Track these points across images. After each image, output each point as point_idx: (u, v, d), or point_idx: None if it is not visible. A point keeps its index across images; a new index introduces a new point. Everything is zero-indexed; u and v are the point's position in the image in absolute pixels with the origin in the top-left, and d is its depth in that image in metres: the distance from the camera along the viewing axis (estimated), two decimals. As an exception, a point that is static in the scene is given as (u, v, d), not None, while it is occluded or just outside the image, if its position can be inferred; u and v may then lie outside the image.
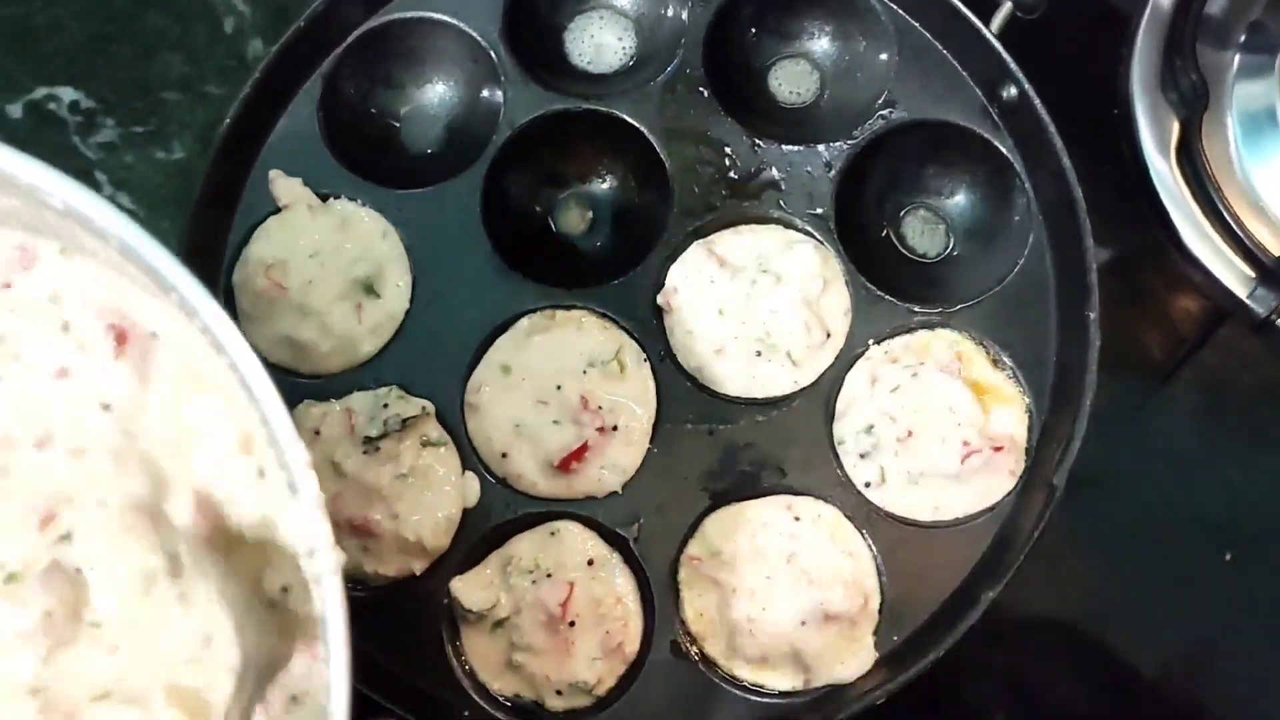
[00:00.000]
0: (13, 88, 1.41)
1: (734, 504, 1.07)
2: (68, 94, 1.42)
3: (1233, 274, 1.25)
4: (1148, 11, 1.32)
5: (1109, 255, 1.27)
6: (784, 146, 1.15)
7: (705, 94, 1.16)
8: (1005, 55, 1.10)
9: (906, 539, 1.06)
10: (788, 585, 1.04)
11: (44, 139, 1.40)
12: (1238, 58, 1.32)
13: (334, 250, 1.11)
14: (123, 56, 1.44)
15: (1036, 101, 1.09)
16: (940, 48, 1.16)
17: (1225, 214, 1.25)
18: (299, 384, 1.11)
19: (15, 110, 1.41)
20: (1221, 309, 1.26)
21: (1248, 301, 1.24)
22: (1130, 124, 1.30)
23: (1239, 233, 1.25)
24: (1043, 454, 1.06)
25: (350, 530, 1.05)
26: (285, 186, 1.13)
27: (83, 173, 1.38)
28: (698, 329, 1.10)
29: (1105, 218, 1.22)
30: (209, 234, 1.13)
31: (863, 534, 1.06)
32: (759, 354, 1.08)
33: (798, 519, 1.06)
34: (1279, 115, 1.27)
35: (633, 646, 1.05)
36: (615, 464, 1.07)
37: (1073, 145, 1.11)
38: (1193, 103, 1.28)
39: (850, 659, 1.03)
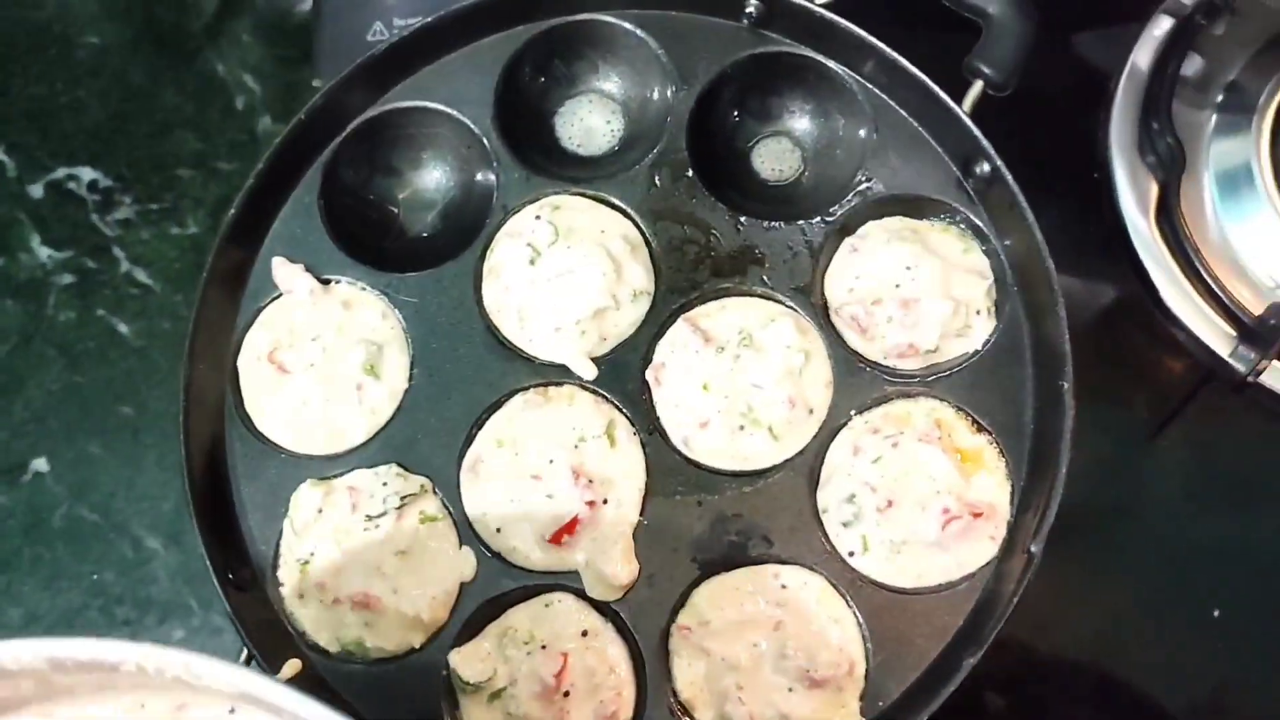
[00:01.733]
0: (34, 167, 1.48)
1: (722, 573, 1.10)
2: (86, 173, 1.49)
3: (1214, 333, 1.28)
4: (1125, 74, 1.36)
5: (1092, 315, 1.31)
6: (766, 223, 1.18)
7: (690, 175, 1.20)
8: (977, 133, 1.14)
9: (890, 606, 1.08)
10: (775, 653, 1.07)
11: (65, 216, 1.46)
12: (1214, 118, 1.35)
13: (336, 333, 1.16)
14: (139, 134, 1.50)
15: (1008, 176, 1.13)
16: (916, 125, 1.19)
17: (1205, 274, 1.28)
18: (301, 462, 1.15)
19: (37, 190, 1.47)
20: (1204, 367, 1.29)
21: (1229, 360, 1.26)
22: (1110, 186, 1.33)
23: (1219, 292, 1.27)
24: (1021, 521, 1.08)
25: (351, 606, 1.09)
26: (287, 272, 1.18)
27: (101, 249, 1.44)
28: (684, 403, 1.13)
29: (1087, 278, 1.25)
30: (217, 317, 1.18)
31: (847, 601, 1.09)
32: (741, 428, 1.12)
33: (785, 587, 1.09)
34: (1255, 174, 1.29)
35: (626, 714, 1.07)
36: (606, 537, 1.10)
37: (1054, 207, 1.14)
38: (1170, 165, 1.31)
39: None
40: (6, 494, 1.35)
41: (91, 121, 1.51)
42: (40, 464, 1.37)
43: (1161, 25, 1.37)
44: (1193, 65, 1.35)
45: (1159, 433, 1.32)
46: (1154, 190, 1.33)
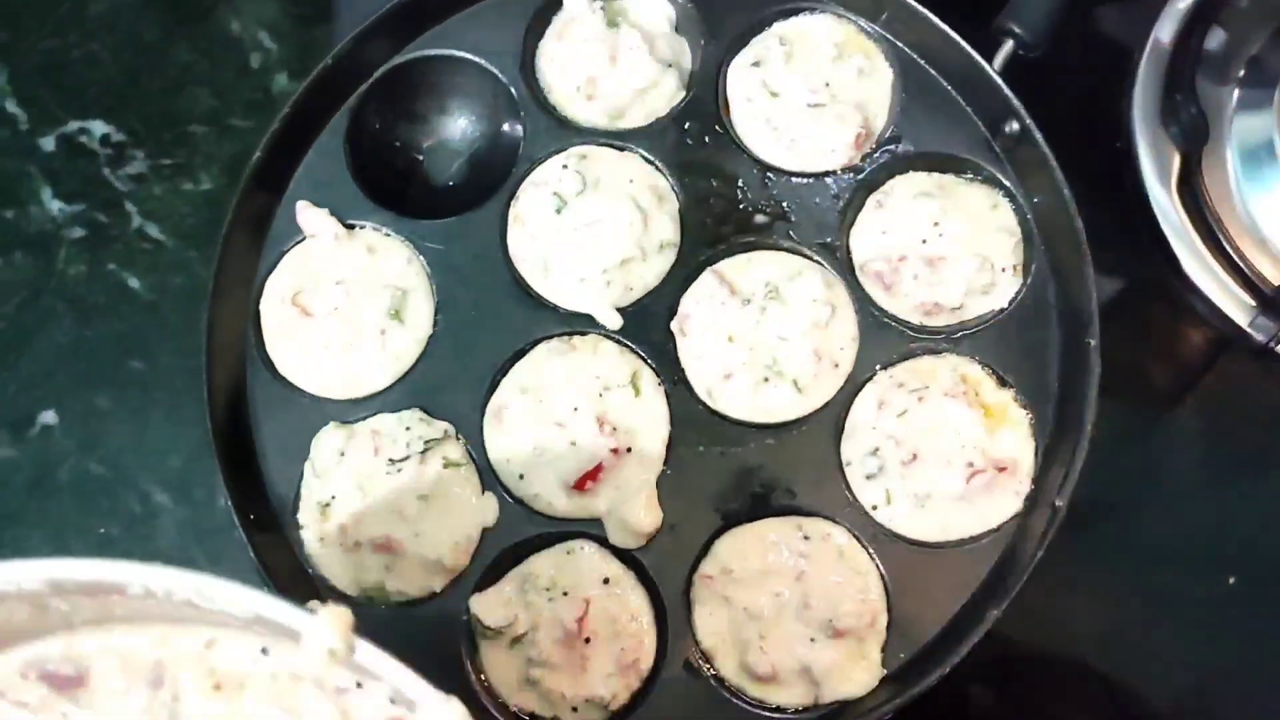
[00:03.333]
0: (47, 120, 1.46)
1: (745, 524, 1.10)
2: (99, 127, 1.47)
3: (1234, 303, 1.28)
4: (1149, 47, 1.36)
5: (1112, 285, 1.31)
6: (794, 179, 1.18)
7: (718, 128, 1.20)
8: (1008, 91, 1.14)
9: (913, 559, 1.08)
10: (798, 603, 1.07)
11: (76, 170, 1.44)
12: (1237, 92, 1.35)
13: (359, 277, 1.15)
14: (152, 90, 1.48)
15: (1038, 135, 1.13)
16: (945, 84, 1.19)
17: (1226, 245, 1.29)
18: (324, 406, 1.14)
19: (48, 143, 1.46)
20: (1223, 337, 1.29)
21: (1249, 329, 1.27)
22: (1132, 157, 1.33)
23: (1239, 263, 1.28)
24: (1046, 476, 1.08)
25: (373, 549, 1.08)
26: (311, 216, 1.17)
27: (113, 204, 1.43)
28: (709, 354, 1.13)
29: (1108, 248, 1.24)
30: (239, 261, 1.17)
31: (870, 553, 1.09)
32: (766, 380, 1.12)
33: (807, 538, 1.09)
34: (1277, 148, 1.30)
35: (647, 663, 1.07)
36: (629, 485, 1.10)
37: (1075, 177, 1.14)
38: (1193, 137, 1.31)
39: (858, 675, 1.05)
40: (14, 447, 1.34)
41: (104, 76, 1.49)
42: (48, 417, 1.35)
43: (1184, -2, 1.37)
44: (1215, 39, 1.35)
45: (1177, 402, 1.32)
46: (1176, 161, 1.33)
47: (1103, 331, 1.08)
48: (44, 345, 1.37)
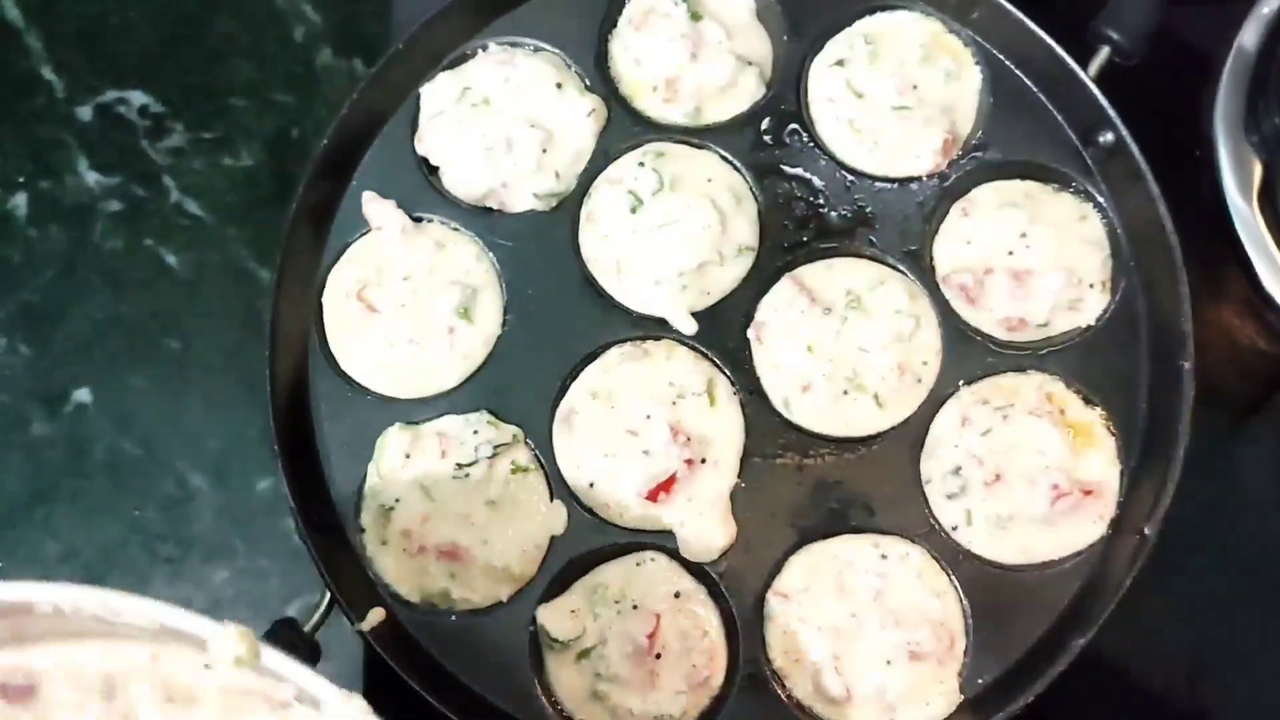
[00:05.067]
0: (84, 88, 1.42)
1: (821, 541, 1.07)
2: (137, 97, 1.42)
3: (1315, 322, 1.26)
4: (1232, 53, 1.32)
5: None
6: (877, 184, 1.15)
7: (798, 127, 1.16)
8: (1103, 100, 1.11)
9: (993, 581, 1.06)
10: (874, 624, 1.04)
11: (114, 141, 1.40)
12: (1323, 101, 1.32)
13: (428, 273, 1.12)
14: (191, 60, 1.44)
15: (1134, 147, 1.10)
16: (1035, 89, 1.16)
17: (1307, 260, 1.26)
18: (389, 406, 1.11)
19: (85, 113, 1.42)
20: (1304, 356, 1.27)
21: (1328, 349, 1.24)
22: (1213, 166, 1.30)
23: (1322, 281, 1.25)
24: (1133, 500, 1.06)
25: (438, 555, 1.05)
26: (378, 208, 1.14)
27: (151, 177, 1.39)
28: (786, 364, 1.10)
29: (1185, 259, 1.22)
30: (303, 253, 1.14)
31: (950, 575, 1.06)
32: (845, 393, 1.09)
33: (885, 557, 1.06)
34: (1363, 160, 1.27)
35: (718, 680, 1.05)
36: (702, 496, 1.07)
37: (1157, 184, 1.11)
38: (1275, 145, 1.28)
39: (935, 700, 1.04)
40: (48, 424, 1.31)
41: (142, 44, 1.45)
42: (83, 394, 1.32)
43: (1270, 4, 1.33)
44: (1301, 47, 1.32)
45: (1250, 419, 1.29)
46: (1258, 171, 1.30)
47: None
48: (79, 320, 1.34)
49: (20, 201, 1.37)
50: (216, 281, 1.35)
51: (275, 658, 0.73)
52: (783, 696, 1.05)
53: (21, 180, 1.37)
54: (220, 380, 1.33)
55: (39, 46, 1.42)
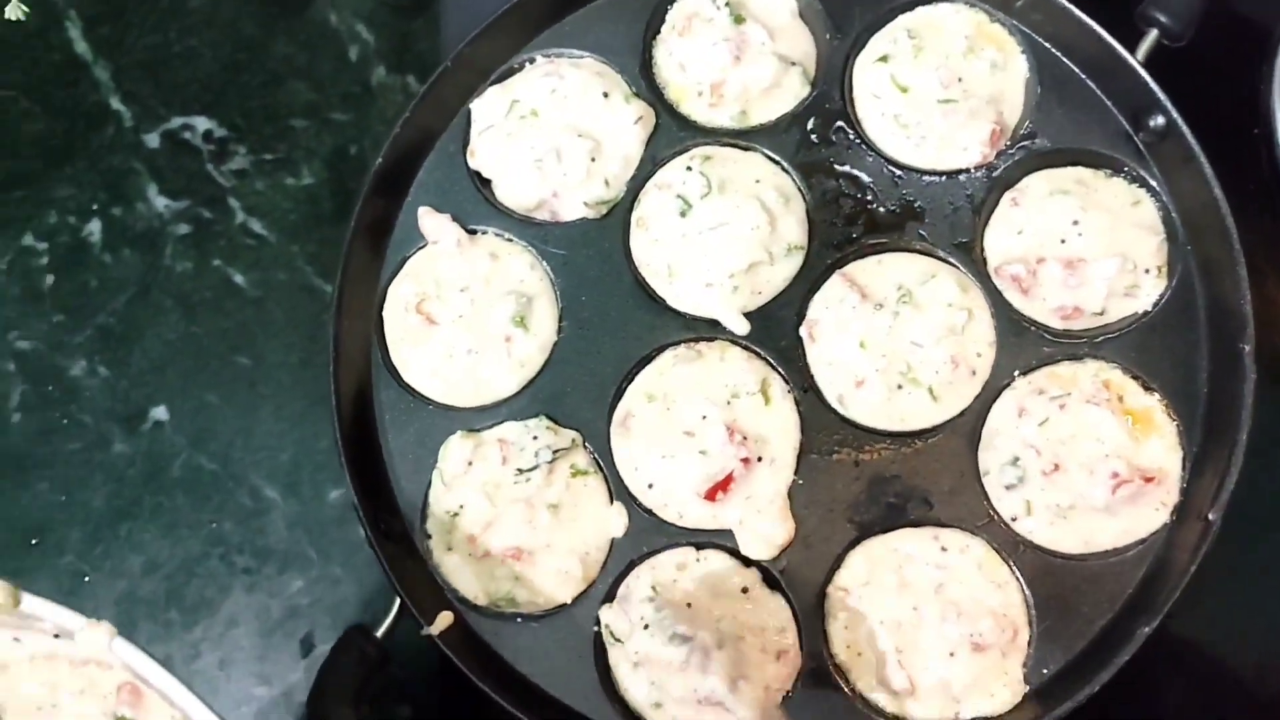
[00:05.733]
0: (151, 116, 1.46)
1: (880, 534, 1.08)
2: (201, 123, 1.46)
3: (1374, 297, 1.23)
4: (1291, 28, 1.30)
5: (1251, 276, 1.26)
6: (925, 178, 1.15)
7: (844, 125, 1.17)
8: (1152, 84, 1.10)
9: (1055, 571, 1.06)
10: (936, 617, 1.04)
11: (180, 166, 1.44)
12: (1382, 72, 1.29)
13: (484, 284, 1.15)
14: (252, 84, 1.48)
15: (1185, 130, 1.09)
16: (1083, 76, 1.15)
17: (1364, 235, 1.23)
18: (451, 414, 1.14)
19: (153, 140, 1.46)
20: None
21: (1394, 319, 1.22)
22: (1272, 142, 1.28)
23: (1379, 255, 1.23)
24: (1196, 487, 1.05)
25: (502, 559, 1.07)
26: (434, 222, 1.16)
27: (217, 200, 1.42)
28: (839, 360, 1.11)
29: (1245, 236, 1.20)
30: (362, 269, 1.16)
31: (1011, 566, 1.06)
32: (900, 387, 1.09)
33: (945, 550, 1.07)
34: None
35: (788, 674, 1.05)
36: (760, 495, 1.08)
37: (1212, 164, 1.10)
38: (1336, 120, 1.26)
39: (999, 690, 1.04)
40: (127, 442, 1.35)
41: (205, 71, 1.49)
42: (160, 413, 1.36)
43: (1329, -24, 1.31)
44: (1359, 15, 1.30)
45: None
46: (1316, 146, 1.28)
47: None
48: (153, 341, 1.38)
49: (95, 229, 1.41)
50: (283, 298, 1.38)
51: (33, 602, 0.90)
52: (846, 690, 1.06)
53: (95, 208, 1.41)
54: (290, 394, 1.36)
55: (106, 78, 1.47)
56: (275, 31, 1.50)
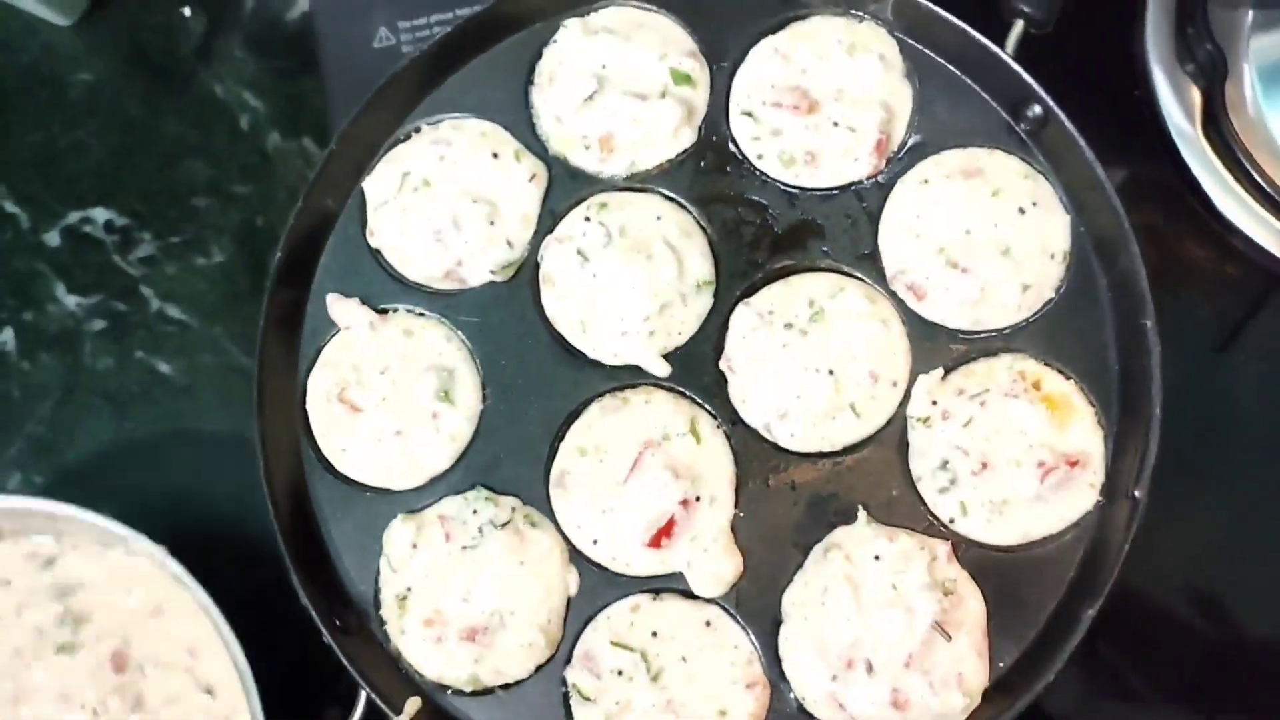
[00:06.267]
0: (47, 215, 1.44)
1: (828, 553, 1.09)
2: (100, 214, 1.44)
3: (1274, 238, 1.26)
4: (1154, -13, 1.32)
5: (1148, 233, 1.28)
6: (821, 192, 1.16)
7: (734, 153, 1.17)
8: (1025, 75, 1.11)
9: (998, 566, 1.08)
10: (891, 622, 1.06)
11: (86, 261, 1.42)
12: (1250, 14, 1.32)
13: (402, 363, 1.14)
14: (147, 168, 1.46)
15: (1063, 116, 1.10)
16: (959, 73, 1.17)
17: (1258, 177, 1.27)
18: (388, 498, 1.14)
19: (53, 238, 1.44)
20: (1268, 273, 1.27)
21: (1293, 263, 1.25)
22: (1152, 101, 1.31)
23: (1275, 195, 1.26)
24: (1119, 466, 1.08)
25: (459, 640, 1.08)
26: (344, 307, 1.16)
27: (129, 290, 1.41)
28: (761, 390, 1.12)
29: (1139, 197, 1.23)
30: (279, 362, 1.16)
31: (957, 563, 1.08)
32: (823, 407, 1.10)
33: (879, 558, 1.08)
34: (1295, 59, 1.27)
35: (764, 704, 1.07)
36: (704, 534, 1.09)
37: (1096, 130, 1.12)
38: (1211, 70, 1.29)
39: (958, 689, 1.06)
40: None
41: (96, 161, 1.47)
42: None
43: (1179, -69, 1.33)
44: (1221, -35, 1.32)
45: (1230, 344, 1.30)
46: (1197, 100, 1.30)
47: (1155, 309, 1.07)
48: (86, 442, 1.37)
49: (8, 337, 1.39)
50: (212, 381, 1.37)
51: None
52: (809, 711, 1.07)
53: (4, 316, 1.39)
54: (246, 469, 1.35)
55: (-5, 181, 1.44)
56: (162, 111, 1.47)
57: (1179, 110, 1.30)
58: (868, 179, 1.16)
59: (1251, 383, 1.30)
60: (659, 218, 1.16)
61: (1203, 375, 1.29)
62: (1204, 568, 1.24)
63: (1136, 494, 1.04)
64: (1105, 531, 1.07)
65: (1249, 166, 1.27)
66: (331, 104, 1.37)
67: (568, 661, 1.09)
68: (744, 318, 1.13)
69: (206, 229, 1.43)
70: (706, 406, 1.13)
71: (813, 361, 1.12)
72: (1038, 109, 1.12)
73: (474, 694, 1.09)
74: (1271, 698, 1.21)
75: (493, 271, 1.15)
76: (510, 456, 1.13)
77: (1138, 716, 1.22)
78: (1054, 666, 1.03)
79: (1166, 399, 1.07)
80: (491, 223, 1.15)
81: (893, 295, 1.14)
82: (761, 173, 1.17)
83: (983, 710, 1.05)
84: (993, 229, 1.13)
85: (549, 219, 1.17)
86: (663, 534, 1.09)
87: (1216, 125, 1.28)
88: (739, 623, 1.09)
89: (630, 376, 1.14)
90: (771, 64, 1.18)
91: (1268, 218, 1.26)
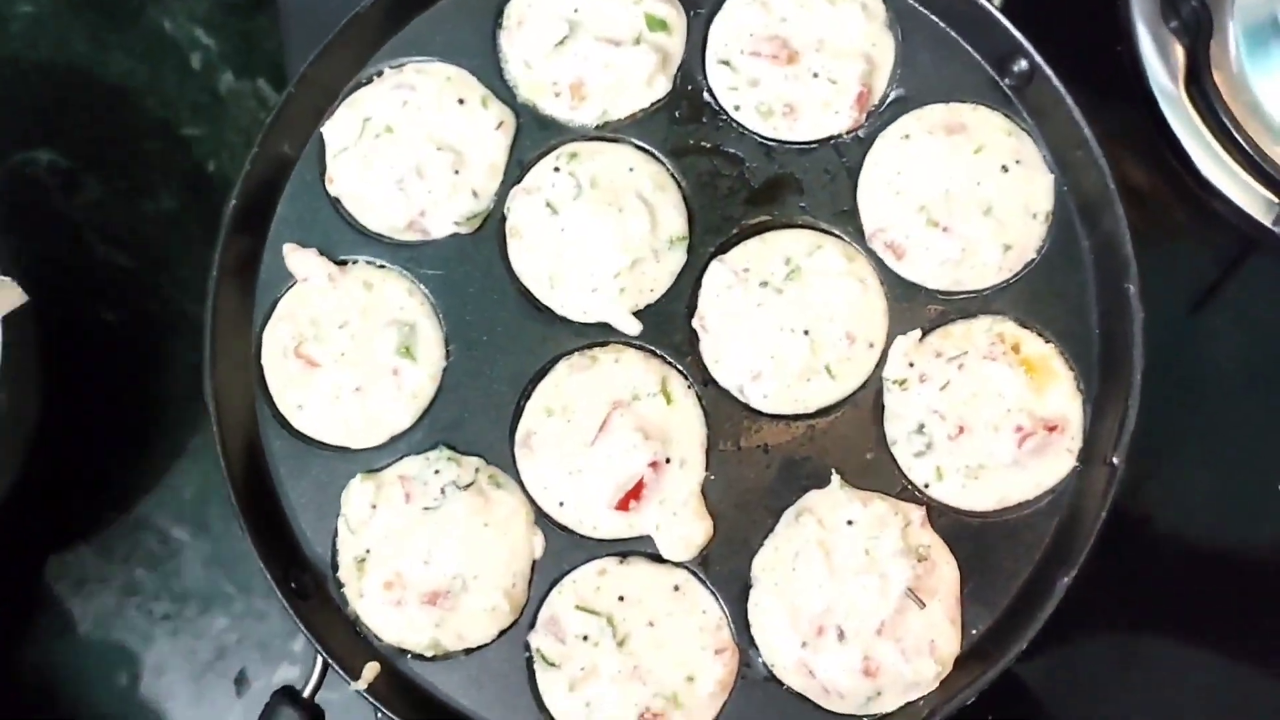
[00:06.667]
0: (-12, 155, 1.37)
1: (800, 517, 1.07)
2: (44, 155, 1.38)
3: (1254, 201, 1.25)
4: (1139, -59, 1.29)
5: (1128, 193, 1.26)
6: (799, 146, 1.12)
7: (710, 102, 1.13)
8: (1011, 28, 1.09)
9: (973, 532, 1.06)
10: (863, 588, 1.04)
11: (27, 204, 1.36)
12: (1236, -30, 1.29)
13: (362, 317, 1.10)
14: (94, 107, 1.40)
15: (1049, 71, 1.08)
16: (943, 26, 1.14)
17: (1240, 139, 1.25)
18: (347, 457, 1.10)
19: (-6, 180, 1.37)
20: (1247, 237, 1.26)
21: (1273, 228, 1.23)
22: (1135, 59, 1.28)
23: (1256, 157, 1.24)
24: (1097, 432, 1.06)
25: (420, 604, 1.05)
26: (301, 258, 1.11)
27: (73, 237, 1.35)
28: (735, 350, 1.09)
29: (1120, 157, 1.20)
30: (232, 314, 1.11)
31: (931, 529, 1.06)
32: (798, 368, 1.08)
33: (852, 523, 1.06)
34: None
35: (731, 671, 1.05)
36: (673, 497, 1.06)
37: (1079, 87, 1.09)
38: (1195, 28, 1.26)
39: (931, 656, 1.04)
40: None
41: (38, 99, 1.40)
42: (50, 475, 1.30)
43: (1165, -116, 1.30)
44: (1207, -81, 1.29)
45: (1205, 307, 1.29)
46: (1181, 58, 1.28)
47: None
48: (28, 395, 1.31)
49: (-54, 282, 1.34)
50: (158, 332, 1.33)
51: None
52: (772, 678, 1.06)
53: (-59, 261, 1.34)
54: (182, 430, 1.32)
55: (-70, 124, 1.37)
56: (109, 46, 1.42)
57: (1162, 68, 1.28)
58: (848, 133, 1.13)
59: (1224, 350, 1.29)
60: (631, 169, 1.12)
61: (1178, 338, 1.27)
62: (1185, 531, 1.23)
63: (1115, 460, 1.03)
64: (1082, 498, 1.05)
65: (1231, 126, 1.25)
66: (288, 43, 1.32)
67: (532, 626, 1.06)
68: (718, 275, 1.10)
69: (154, 173, 1.38)
70: (678, 366, 1.10)
71: (788, 321, 1.08)
72: (1023, 63, 1.09)
73: (435, 659, 1.06)
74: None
75: (457, 223, 1.11)
76: (474, 415, 1.09)
77: (1114, 682, 1.20)
78: (1028, 634, 1.01)
79: (1145, 361, 1.05)
80: (456, 171, 1.11)
81: (871, 254, 1.11)
82: (738, 124, 1.13)
83: (955, 678, 1.03)
84: (975, 187, 1.10)
85: (517, 169, 1.13)
86: (631, 496, 1.06)
87: (1199, 84, 1.26)
88: (708, 587, 1.06)
89: (600, 334, 1.10)
90: (750, 11, 1.14)
91: (1247, 179, 1.25)
